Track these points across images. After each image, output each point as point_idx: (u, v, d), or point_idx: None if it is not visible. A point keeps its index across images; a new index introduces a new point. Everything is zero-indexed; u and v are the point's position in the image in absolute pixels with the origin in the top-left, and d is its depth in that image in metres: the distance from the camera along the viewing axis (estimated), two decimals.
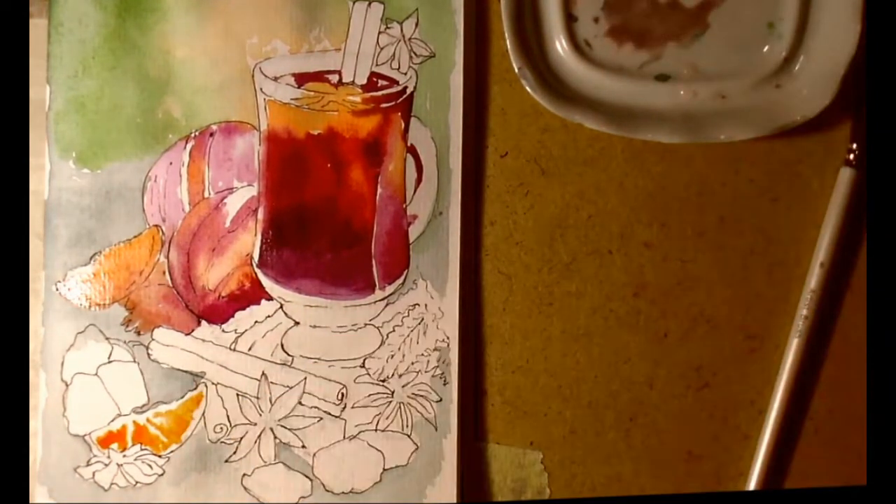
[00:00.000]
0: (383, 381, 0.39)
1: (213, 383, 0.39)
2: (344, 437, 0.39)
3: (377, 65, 0.39)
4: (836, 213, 0.39)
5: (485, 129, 0.40)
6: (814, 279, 0.39)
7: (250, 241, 0.39)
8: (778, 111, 0.38)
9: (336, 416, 0.39)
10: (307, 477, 0.39)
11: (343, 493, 0.39)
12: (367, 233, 0.39)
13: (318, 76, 0.39)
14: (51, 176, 0.39)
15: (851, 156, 0.39)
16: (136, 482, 0.39)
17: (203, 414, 0.39)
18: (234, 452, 0.39)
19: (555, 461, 0.39)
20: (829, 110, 0.38)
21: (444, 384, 0.39)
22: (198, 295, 0.39)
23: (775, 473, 0.39)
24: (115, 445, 0.39)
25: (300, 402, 0.39)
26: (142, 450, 0.39)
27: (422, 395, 0.39)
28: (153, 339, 0.39)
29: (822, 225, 0.39)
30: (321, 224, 0.39)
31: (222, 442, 0.39)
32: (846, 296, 0.39)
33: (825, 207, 0.39)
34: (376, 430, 0.39)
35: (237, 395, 0.39)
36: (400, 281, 0.39)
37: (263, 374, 0.39)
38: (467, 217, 0.39)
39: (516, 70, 0.38)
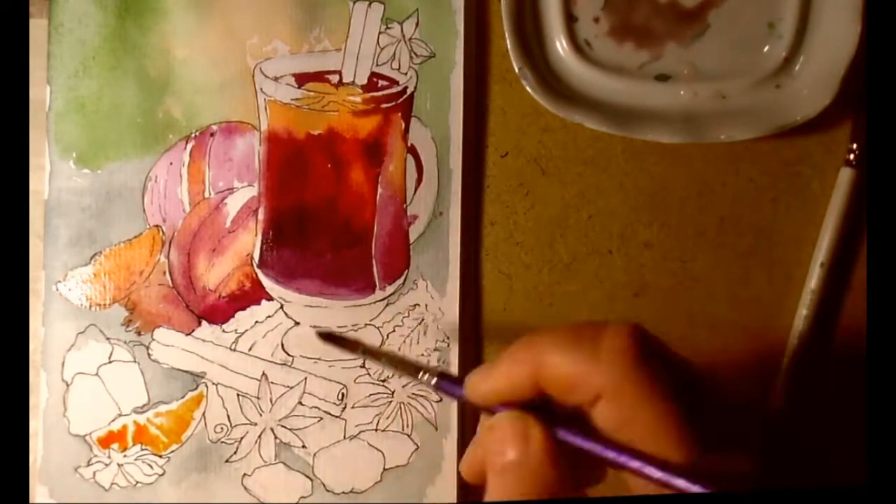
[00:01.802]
0: (383, 381, 0.39)
1: (213, 383, 0.39)
2: (344, 437, 0.39)
3: (377, 65, 0.39)
4: (836, 213, 0.39)
5: (485, 129, 0.40)
6: (814, 279, 0.39)
7: (251, 242, 0.39)
8: (778, 111, 0.38)
9: (336, 416, 0.39)
10: (307, 477, 0.39)
11: (343, 493, 0.39)
12: (367, 233, 0.39)
13: (319, 76, 0.39)
14: (51, 176, 0.39)
15: (851, 156, 0.39)
16: (137, 482, 0.39)
17: (203, 414, 0.39)
18: (235, 452, 0.39)
19: None
20: (829, 110, 0.38)
21: None
22: (198, 295, 0.39)
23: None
24: (115, 445, 0.39)
25: (300, 402, 0.39)
26: (142, 450, 0.39)
27: (422, 395, 0.39)
28: (153, 339, 0.39)
29: (822, 225, 0.39)
30: (321, 224, 0.39)
31: (223, 442, 0.39)
32: (846, 296, 0.39)
33: (825, 207, 0.39)
34: (376, 430, 0.39)
35: (237, 395, 0.39)
36: (400, 281, 0.39)
37: (264, 374, 0.39)
38: (467, 217, 0.39)
39: (517, 70, 0.38)
